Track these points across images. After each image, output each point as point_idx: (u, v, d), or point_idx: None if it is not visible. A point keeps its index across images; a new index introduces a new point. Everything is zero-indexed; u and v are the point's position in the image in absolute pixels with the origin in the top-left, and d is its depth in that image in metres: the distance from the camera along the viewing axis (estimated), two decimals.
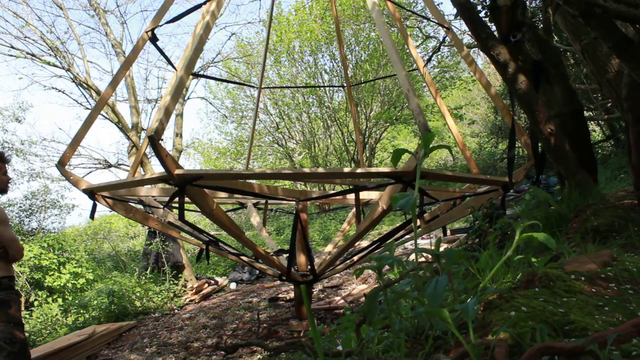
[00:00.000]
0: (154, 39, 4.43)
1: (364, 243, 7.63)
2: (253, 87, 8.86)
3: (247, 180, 4.47)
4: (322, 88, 16.76)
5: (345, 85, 8.61)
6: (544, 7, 4.31)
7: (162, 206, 4.97)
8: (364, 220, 3.95)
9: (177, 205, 5.71)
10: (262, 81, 7.65)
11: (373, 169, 3.19)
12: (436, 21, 4.99)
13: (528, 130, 3.99)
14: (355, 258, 5.29)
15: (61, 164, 3.93)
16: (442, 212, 4.84)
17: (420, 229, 5.50)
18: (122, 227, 17.84)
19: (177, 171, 2.85)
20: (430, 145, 1.25)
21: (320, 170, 3.25)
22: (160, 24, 4.61)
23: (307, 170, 2.90)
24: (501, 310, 1.10)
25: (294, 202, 5.18)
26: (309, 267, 5.34)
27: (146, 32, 4.47)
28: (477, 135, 18.11)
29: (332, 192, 5.77)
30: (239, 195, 5.63)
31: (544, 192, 2.05)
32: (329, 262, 4.92)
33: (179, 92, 3.07)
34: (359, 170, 3.23)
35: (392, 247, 1.45)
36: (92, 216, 4.24)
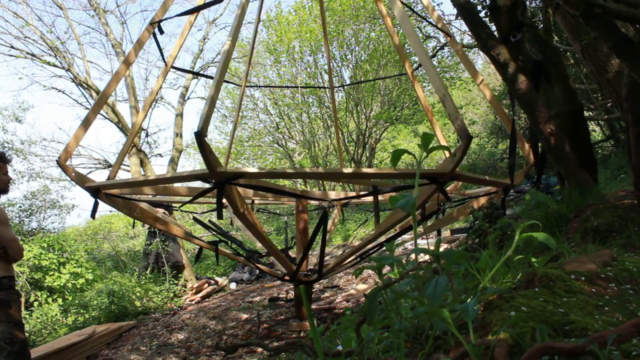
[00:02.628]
0: (159, 31, 4.44)
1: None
2: (237, 85, 8.89)
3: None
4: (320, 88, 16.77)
5: (329, 87, 8.70)
6: (544, 7, 4.31)
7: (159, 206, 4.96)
8: (385, 221, 3.94)
9: (173, 206, 5.68)
10: (246, 79, 7.68)
11: (409, 170, 3.19)
12: (442, 29, 5.03)
13: (528, 131, 3.99)
14: (350, 259, 5.28)
15: (62, 159, 3.77)
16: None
17: (421, 229, 5.51)
18: (122, 227, 17.83)
19: (218, 169, 2.81)
20: (430, 146, 1.25)
21: (364, 170, 3.28)
22: (171, 16, 4.62)
23: (347, 170, 2.92)
24: (501, 310, 1.10)
25: (316, 203, 5.17)
26: (310, 267, 5.34)
27: (151, 23, 4.46)
28: (477, 135, 18.10)
29: (362, 193, 5.78)
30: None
31: (544, 195, 2.05)
32: (338, 262, 4.93)
33: (216, 94, 3.03)
34: (395, 171, 3.21)
35: (392, 247, 1.46)
36: (93, 215, 4.14)
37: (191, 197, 4.65)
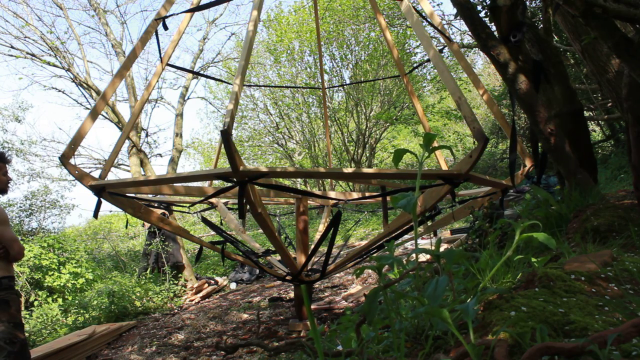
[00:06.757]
0: (164, 27, 4.44)
1: (362, 242, 7.66)
2: (229, 84, 8.90)
3: None
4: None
5: (320, 87, 8.76)
6: (544, 7, 4.31)
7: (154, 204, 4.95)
8: (394, 221, 3.94)
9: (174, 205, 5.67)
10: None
11: (411, 170, 3.21)
12: (444, 33, 5.04)
13: (528, 131, 3.99)
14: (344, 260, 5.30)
15: (65, 157, 3.66)
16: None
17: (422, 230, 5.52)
18: (122, 227, 17.82)
19: (241, 168, 2.82)
20: (432, 146, 1.25)
21: (371, 170, 3.32)
22: (177, 12, 4.60)
23: (348, 169, 3.00)
24: (501, 310, 1.10)
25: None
26: (310, 267, 5.34)
27: (155, 19, 4.45)
28: None
29: (374, 194, 5.82)
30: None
31: (545, 192, 2.04)
32: (342, 262, 4.93)
33: (238, 96, 3.03)
34: (396, 171, 3.23)
35: (392, 247, 1.46)
36: (95, 215, 4.04)
37: (203, 197, 4.65)
